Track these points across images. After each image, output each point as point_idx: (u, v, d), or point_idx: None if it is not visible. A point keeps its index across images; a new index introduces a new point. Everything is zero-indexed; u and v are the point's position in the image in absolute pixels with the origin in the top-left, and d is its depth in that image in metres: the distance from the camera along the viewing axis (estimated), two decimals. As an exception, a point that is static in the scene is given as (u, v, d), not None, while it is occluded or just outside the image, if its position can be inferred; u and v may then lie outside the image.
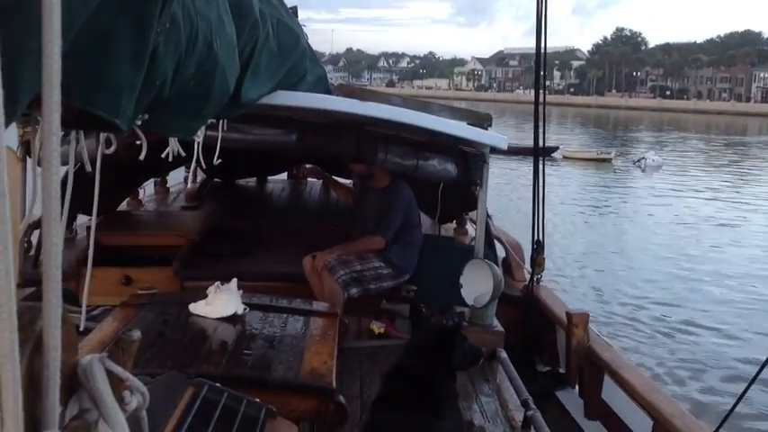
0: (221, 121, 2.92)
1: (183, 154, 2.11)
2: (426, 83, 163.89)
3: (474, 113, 4.38)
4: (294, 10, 4.47)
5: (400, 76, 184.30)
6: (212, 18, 1.56)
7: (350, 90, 3.87)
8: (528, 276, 5.67)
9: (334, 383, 2.73)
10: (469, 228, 6.78)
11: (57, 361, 0.71)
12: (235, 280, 3.43)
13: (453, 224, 6.98)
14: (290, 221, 6.64)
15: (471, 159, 4.35)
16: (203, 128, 2.59)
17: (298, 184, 8.81)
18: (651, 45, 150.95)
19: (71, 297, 2.24)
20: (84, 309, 1.91)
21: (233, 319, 3.27)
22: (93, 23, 0.91)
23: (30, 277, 4.52)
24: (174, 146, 2.14)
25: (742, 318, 10.22)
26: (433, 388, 2.70)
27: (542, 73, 5.31)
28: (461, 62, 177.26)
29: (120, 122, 1.02)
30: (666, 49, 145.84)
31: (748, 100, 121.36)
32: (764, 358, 2.60)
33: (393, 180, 5.00)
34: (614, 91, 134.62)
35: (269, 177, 8.87)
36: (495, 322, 4.31)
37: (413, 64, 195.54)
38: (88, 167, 1.43)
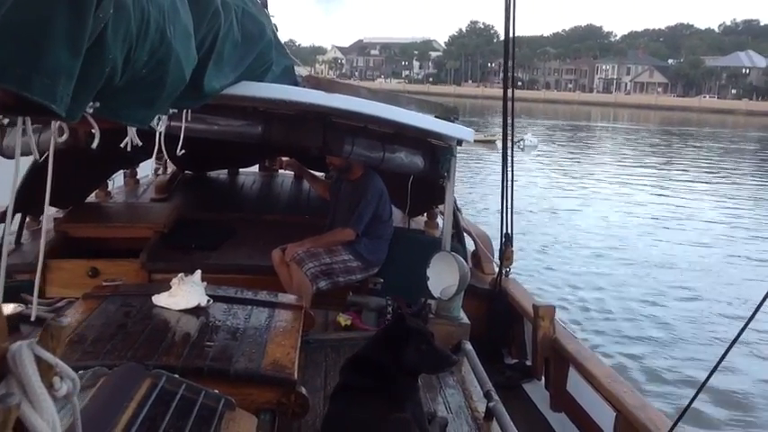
0: (184, 112, 2.90)
1: (140, 143, 2.09)
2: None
3: (441, 106, 4.40)
4: (264, 1, 4.44)
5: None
6: (165, 5, 1.55)
7: (317, 81, 3.85)
8: (497, 269, 5.71)
9: (296, 375, 2.72)
10: (440, 221, 6.81)
11: None
12: (198, 271, 3.40)
13: (424, 217, 7.01)
14: (260, 214, 6.61)
15: (439, 152, 4.36)
16: (165, 118, 2.57)
17: (269, 176, 8.77)
18: (503, 38, 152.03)
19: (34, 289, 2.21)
20: (35, 298, 1.88)
21: (196, 311, 3.24)
22: (25, 5, 0.90)
23: None
24: (131, 135, 2.12)
25: (702, 304, 10.44)
26: (391, 379, 2.71)
27: (511, 69, 5.40)
28: (322, 50, 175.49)
29: (58, 108, 1.01)
30: (517, 42, 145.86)
31: (591, 90, 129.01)
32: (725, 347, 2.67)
33: (366, 172, 5.01)
34: (470, 81, 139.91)
35: (240, 170, 8.82)
36: (462, 314, 4.33)
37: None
38: (36, 156, 1.41)
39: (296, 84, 3.67)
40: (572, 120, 65.06)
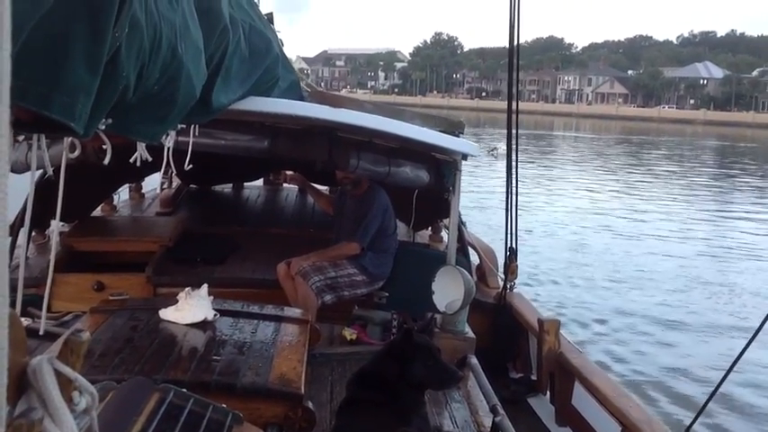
0: (192, 127, 2.91)
1: (150, 159, 2.11)
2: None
3: (446, 121, 4.42)
4: (270, 16, 4.48)
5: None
6: (177, 22, 1.56)
7: (323, 96, 3.88)
8: (501, 283, 5.71)
9: (303, 389, 2.73)
10: (444, 235, 6.82)
11: (4, 360, 0.72)
12: (205, 286, 3.41)
13: (429, 231, 7.02)
14: (265, 228, 6.63)
15: (443, 166, 4.38)
16: (173, 133, 2.59)
17: (274, 190, 8.79)
18: (467, 49, 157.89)
19: (41, 303, 2.23)
20: (44, 313, 1.89)
21: (203, 325, 3.25)
22: (47, 26, 0.92)
23: None
24: (141, 150, 2.14)
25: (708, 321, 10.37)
26: (397, 394, 2.71)
27: (516, 82, 5.42)
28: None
29: (76, 126, 1.03)
30: (481, 53, 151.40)
31: (554, 101, 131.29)
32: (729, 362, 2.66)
33: (371, 186, 5.02)
34: (435, 92, 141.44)
35: (245, 184, 8.84)
36: (467, 328, 4.33)
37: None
38: (49, 171, 1.42)
39: (302, 98, 3.69)
40: (535, 129, 66.28)
